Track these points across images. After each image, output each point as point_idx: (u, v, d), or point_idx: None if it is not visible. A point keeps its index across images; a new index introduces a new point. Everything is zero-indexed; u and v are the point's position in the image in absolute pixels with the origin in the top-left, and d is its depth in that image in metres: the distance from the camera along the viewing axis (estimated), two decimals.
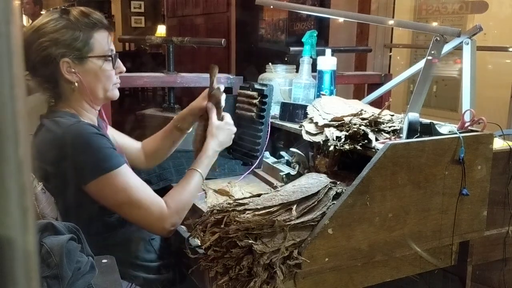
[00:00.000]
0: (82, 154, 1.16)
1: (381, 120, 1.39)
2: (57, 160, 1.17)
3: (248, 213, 1.10)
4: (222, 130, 1.40)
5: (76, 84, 1.23)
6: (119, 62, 1.32)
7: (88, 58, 1.24)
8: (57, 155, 1.17)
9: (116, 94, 1.33)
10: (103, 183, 1.16)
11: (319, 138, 1.43)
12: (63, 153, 1.16)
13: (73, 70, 1.22)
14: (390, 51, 3.95)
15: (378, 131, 1.37)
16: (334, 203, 1.16)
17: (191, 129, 1.59)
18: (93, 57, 1.24)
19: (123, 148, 1.51)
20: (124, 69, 1.34)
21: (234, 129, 1.45)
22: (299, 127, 1.61)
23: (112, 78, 1.29)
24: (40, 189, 1.12)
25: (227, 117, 1.45)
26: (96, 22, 1.25)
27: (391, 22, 2.02)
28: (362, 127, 1.34)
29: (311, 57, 1.89)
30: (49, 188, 1.18)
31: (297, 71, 1.96)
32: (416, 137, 1.26)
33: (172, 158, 1.67)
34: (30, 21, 4.87)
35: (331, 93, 1.81)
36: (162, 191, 1.34)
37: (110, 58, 1.27)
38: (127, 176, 1.19)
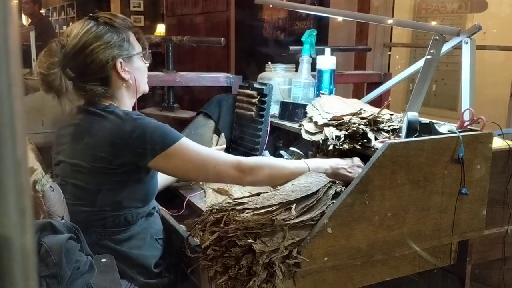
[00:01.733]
0: (145, 134, 1.23)
1: (380, 120, 1.39)
2: (115, 144, 1.23)
3: (247, 212, 1.10)
4: (345, 169, 1.35)
5: (130, 81, 1.33)
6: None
7: (134, 56, 1.35)
8: (119, 138, 1.22)
9: (147, 87, 1.44)
10: (170, 155, 1.24)
11: (318, 137, 1.43)
12: (127, 136, 1.22)
13: (126, 68, 1.32)
14: (390, 50, 3.95)
15: (377, 130, 1.37)
16: (333, 202, 1.16)
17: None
18: (137, 54, 1.36)
19: None
20: (149, 61, 1.44)
21: (354, 175, 1.33)
22: (299, 126, 1.61)
23: (147, 72, 1.42)
24: (48, 187, 1.12)
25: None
26: (128, 23, 1.36)
27: (390, 21, 2.02)
28: (362, 127, 1.34)
29: (310, 56, 1.89)
30: (85, 174, 1.25)
31: (296, 70, 1.96)
32: (416, 137, 1.26)
33: None
34: (30, 20, 4.86)
35: (330, 92, 1.81)
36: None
37: (146, 53, 1.40)
38: (192, 143, 1.29)
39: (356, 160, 1.36)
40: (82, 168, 1.26)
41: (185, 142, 1.27)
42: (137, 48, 1.37)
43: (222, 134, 1.91)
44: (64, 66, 1.27)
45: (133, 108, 1.41)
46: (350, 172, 1.34)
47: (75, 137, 1.30)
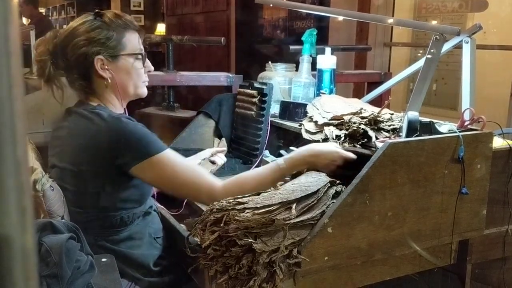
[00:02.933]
0: (132, 139, 1.22)
1: (380, 119, 1.39)
2: (98, 147, 1.23)
3: (247, 212, 1.10)
4: (325, 154, 1.31)
5: (109, 80, 1.31)
6: (148, 62, 1.40)
7: (121, 56, 1.32)
8: (99, 142, 1.23)
9: (145, 91, 1.41)
10: (153, 164, 1.22)
11: (318, 137, 1.43)
12: (108, 140, 1.22)
13: (106, 67, 1.30)
14: (390, 50, 3.95)
15: (377, 129, 1.37)
16: (333, 202, 1.16)
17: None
18: (125, 55, 1.33)
19: None
20: (152, 68, 1.43)
21: (336, 162, 1.31)
22: (299, 125, 1.61)
23: (142, 76, 1.38)
24: (48, 186, 1.13)
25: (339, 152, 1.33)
26: (128, 23, 1.34)
27: (390, 20, 2.02)
28: (362, 126, 1.34)
29: (310, 55, 1.89)
30: (76, 178, 1.24)
31: (296, 70, 1.96)
32: (416, 136, 1.26)
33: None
34: (29, 21, 4.86)
35: (330, 92, 1.81)
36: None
37: (141, 57, 1.36)
38: (173, 158, 1.26)
39: (333, 151, 1.30)
40: (71, 172, 1.26)
41: (169, 155, 1.25)
42: (130, 48, 1.34)
43: (223, 138, 1.91)
44: (54, 55, 1.31)
45: (128, 111, 1.40)
46: (326, 165, 1.30)
47: (63, 140, 1.31)
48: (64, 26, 1.41)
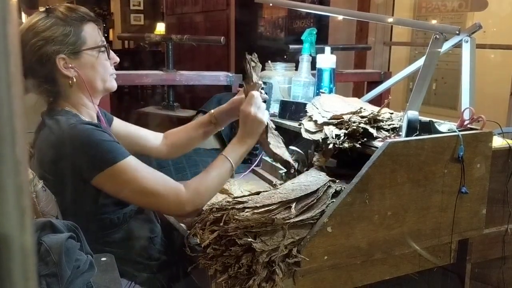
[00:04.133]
0: (86, 150, 1.15)
1: (380, 118, 1.39)
2: (60, 157, 1.17)
3: (247, 211, 1.10)
4: (248, 120, 1.32)
5: (75, 79, 1.23)
6: (112, 53, 1.32)
7: (83, 51, 1.24)
8: (60, 153, 1.17)
9: (114, 85, 1.34)
10: (110, 175, 1.15)
11: (318, 136, 1.43)
12: (66, 151, 1.16)
13: (70, 65, 1.22)
14: (390, 49, 3.95)
15: (377, 129, 1.37)
16: (333, 201, 1.16)
17: (223, 127, 1.60)
18: (87, 49, 1.25)
19: (137, 139, 1.52)
20: (118, 59, 1.34)
21: (259, 107, 1.32)
22: (299, 125, 1.61)
23: (108, 69, 1.30)
24: (40, 187, 1.11)
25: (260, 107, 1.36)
26: (84, 15, 1.25)
27: (390, 20, 2.02)
28: (362, 125, 1.34)
29: (310, 55, 1.89)
30: (51, 186, 1.19)
31: (296, 69, 1.96)
32: (416, 135, 1.26)
33: (185, 156, 1.69)
34: None
35: (330, 91, 1.81)
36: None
37: (104, 49, 1.28)
38: (134, 166, 1.18)
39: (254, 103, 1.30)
40: (45, 181, 1.18)
41: (129, 163, 1.17)
42: (91, 42, 1.25)
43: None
44: None
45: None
46: (260, 119, 1.30)
47: (35, 148, 1.26)
48: None
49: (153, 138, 1.58)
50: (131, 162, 1.18)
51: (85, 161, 1.16)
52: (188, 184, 1.22)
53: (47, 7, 1.25)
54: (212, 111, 1.56)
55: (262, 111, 1.34)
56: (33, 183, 1.09)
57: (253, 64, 1.40)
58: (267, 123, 1.37)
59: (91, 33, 1.26)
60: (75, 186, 1.19)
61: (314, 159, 1.47)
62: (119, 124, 1.49)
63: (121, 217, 1.27)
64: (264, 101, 1.41)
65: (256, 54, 1.42)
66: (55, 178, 1.19)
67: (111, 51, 1.32)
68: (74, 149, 1.15)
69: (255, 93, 1.34)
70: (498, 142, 1.43)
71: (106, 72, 1.29)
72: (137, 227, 1.32)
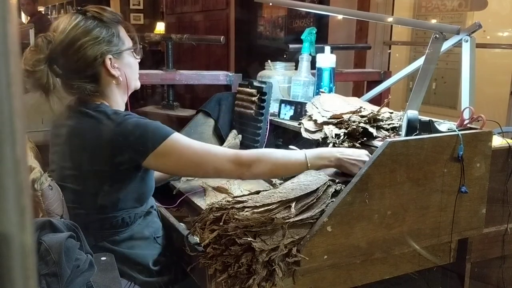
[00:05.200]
0: (136, 133, 1.19)
1: (380, 118, 1.39)
2: (107, 145, 1.20)
3: (247, 211, 1.10)
4: (357, 155, 1.30)
5: (120, 78, 1.29)
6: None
7: (124, 52, 1.30)
8: (110, 140, 1.20)
9: (139, 83, 1.40)
10: (166, 150, 1.20)
11: (318, 136, 1.43)
12: (117, 138, 1.19)
13: (115, 65, 1.27)
14: (390, 48, 3.95)
15: (377, 128, 1.37)
16: (333, 201, 1.16)
17: None
18: (127, 49, 1.31)
19: None
20: (140, 57, 1.39)
21: (356, 169, 1.27)
22: (298, 124, 1.61)
23: (138, 68, 1.38)
24: (47, 185, 1.12)
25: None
26: (117, 16, 1.31)
27: (390, 19, 2.02)
28: (361, 124, 1.34)
29: (310, 54, 1.89)
30: (78, 178, 1.23)
31: (296, 69, 1.96)
32: (415, 135, 1.26)
33: None
34: (29, 19, 4.85)
35: (330, 91, 1.81)
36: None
37: (137, 48, 1.34)
38: (184, 138, 1.25)
39: (363, 154, 1.30)
40: (75, 171, 1.24)
41: (177, 138, 1.22)
42: (127, 43, 1.32)
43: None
44: (51, 62, 1.21)
45: (126, 105, 1.38)
46: (354, 165, 1.28)
47: (67, 139, 1.27)
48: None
49: None
50: (180, 136, 1.24)
51: (138, 143, 1.19)
52: (252, 150, 1.29)
53: (79, 8, 1.27)
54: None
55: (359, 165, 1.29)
56: (39, 181, 1.09)
57: None
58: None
59: (125, 34, 1.32)
60: (111, 174, 1.22)
61: None
62: None
63: (132, 217, 1.29)
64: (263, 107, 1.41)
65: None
66: (92, 167, 1.22)
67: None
68: (127, 134, 1.19)
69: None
70: (497, 141, 1.44)
71: (137, 72, 1.37)
72: (144, 228, 1.33)
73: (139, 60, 1.38)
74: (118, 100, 1.33)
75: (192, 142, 1.25)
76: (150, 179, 1.33)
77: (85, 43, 1.22)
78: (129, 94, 1.37)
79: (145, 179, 1.29)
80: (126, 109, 1.38)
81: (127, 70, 1.31)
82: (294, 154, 1.31)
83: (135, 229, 1.31)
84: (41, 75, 1.20)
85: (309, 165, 1.28)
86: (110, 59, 1.26)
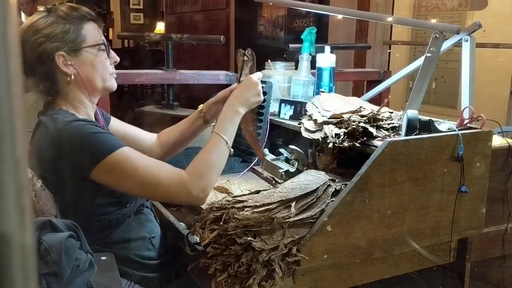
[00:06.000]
0: (81, 144, 1.15)
1: (380, 117, 1.39)
2: (57, 155, 1.17)
3: (247, 210, 1.10)
4: (247, 88, 1.33)
5: (73, 76, 1.23)
6: (112, 52, 1.32)
7: (83, 49, 1.24)
8: (56, 150, 1.17)
9: (114, 84, 1.33)
10: (108, 166, 1.14)
11: (318, 135, 1.43)
12: (62, 148, 1.16)
13: (69, 62, 1.22)
14: (389, 48, 3.95)
15: (377, 128, 1.37)
16: (333, 200, 1.16)
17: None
18: (87, 47, 1.25)
19: (133, 139, 1.50)
20: (118, 59, 1.34)
21: (259, 88, 1.34)
22: (298, 124, 1.61)
23: (108, 68, 1.30)
24: (39, 186, 1.11)
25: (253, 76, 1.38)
26: (85, 14, 1.26)
27: (390, 19, 2.01)
28: (361, 124, 1.34)
29: (310, 54, 1.89)
30: (50, 186, 1.18)
31: (296, 68, 1.96)
32: (415, 134, 1.26)
33: (184, 155, 1.66)
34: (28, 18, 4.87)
35: (330, 90, 1.81)
36: None
37: (104, 48, 1.28)
38: (131, 156, 1.16)
39: (252, 81, 1.33)
40: (44, 181, 1.18)
41: (122, 154, 1.15)
42: (91, 40, 1.25)
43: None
44: None
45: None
46: (256, 95, 1.32)
47: (33, 148, 1.25)
48: None
49: (148, 138, 1.57)
50: (127, 152, 1.16)
51: (82, 156, 1.15)
52: (188, 169, 1.19)
53: (48, 6, 1.26)
54: (201, 105, 1.54)
55: (258, 91, 1.34)
56: (32, 182, 1.09)
57: (245, 58, 1.40)
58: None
59: (91, 32, 1.26)
60: (74, 184, 1.19)
61: (318, 161, 1.47)
62: (116, 124, 1.49)
63: (120, 218, 1.27)
64: (264, 100, 1.41)
65: (250, 50, 1.42)
66: (53, 177, 1.19)
67: (111, 50, 1.32)
68: (70, 146, 1.15)
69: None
70: (497, 141, 1.44)
71: (105, 71, 1.29)
72: (136, 228, 1.31)
73: (115, 60, 1.32)
74: (83, 101, 1.28)
75: (138, 162, 1.16)
76: None
77: (36, 39, 1.20)
78: (97, 95, 1.32)
79: None
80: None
81: (87, 69, 1.25)
82: (214, 143, 1.25)
83: (126, 229, 1.29)
84: None
85: (228, 141, 1.26)
86: (62, 55, 1.21)
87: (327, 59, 1.80)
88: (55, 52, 1.20)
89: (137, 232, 1.31)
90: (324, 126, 1.42)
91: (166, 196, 1.21)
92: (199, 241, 1.17)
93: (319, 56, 1.83)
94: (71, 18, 1.23)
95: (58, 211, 1.19)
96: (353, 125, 1.34)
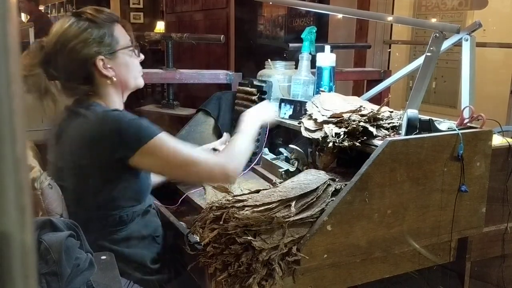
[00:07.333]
0: (122, 131, 1.20)
1: (380, 117, 1.39)
2: (98, 141, 1.21)
3: (247, 210, 1.10)
4: (259, 108, 1.54)
5: (114, 78, 1.29)
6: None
7: (118, 51, 1.29)
8: (99, 136, 1.21)
9: (142, 81, 1.40)
10: (151, 149, 1.19)
11: (318, 135, 1.43)
12: (105, 134, 1.20)
13: (108, 65, 1.28)
14: (389, 48, 3.95)
15: (377, 127, 1.37)
16: (333, 200, 1.16)
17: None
18: (121, 49, 1.30)
19: None
20: (143, 56, 1.40)
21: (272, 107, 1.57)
22: (298, 123, 1.61)
23: (138, 66, 1.37)
24: (47, 184, 1.12)
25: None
26: (112, 16, 1.31)
27: (390, 18, 2.02)
28: (361, 123, 1.34)
29: (310, 53, 1.89)
30: (81, 175, 1.23)
31: (296, 68, 1.95)
32: (415, 134, 1.26)
33: None
34: (28, 18, 4.85)
35: (330, 90, 1.80)
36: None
37: (132, 48, 1.34)
38: (171, 140, 1.23)
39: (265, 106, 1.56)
40: (69, 170, 1.24)
41: (162, 139, 1.21)
42: (123, 42, 1.31)
43: (227, 133, 1.90)
44: (46, 66, 1.25)
45: (127, 108, 1.38)
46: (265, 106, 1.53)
47: (60, 138, 1.28)
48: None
49: None
50: (167, 136, 1.23)
51: (124, 141, 1.19)
52: (222, 153, 1.34)
53: (74, 11, 1.31)
54: None
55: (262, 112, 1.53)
56: (39, 180, 1.09)
57: None
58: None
59: (121, 33, 1.31)
60: (105, 172, 1.23)
61: (318, 160, 1.47)
62: None
63: (130, 215, 1.29)
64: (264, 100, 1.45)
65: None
66: (86, 166, 1.22)
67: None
68: (113, 131, 1.20)
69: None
70: (497, 140, 1.44)
71: (136, 70, 1.36)
72: (143, 227, 1.33)
73: (141, 59, 1.38)
74: (114, 99, 1.33)
75: (176, 145, 1.23)
76: (146, 177, 1.33)
77: (74, 45, 1.23)
78: (128, 93, 1.38)
79: (141, 177, 1.29)
80: (125, 107, 1.38)
81: (123, 70, 1.31)
82: (239, 135, 1.38)
83: (133, 227, 1.31)
84: (36, 78, 1.24)
85: (250, 136, 1.40)
86: (101, 59, 1.26)
87: (327, 59, 1.80)
88: (96, 57, 1.25)
89: (142, 231, 1.33)
90: (324, 125, 1.42)
91: (205, 175, 1.29)
92: (199, 241, 1.17)
93: (319, 56, 1.83)
94: (102, 22, 1.27)
95: (64, 210, 1.19)
96: (353, 124, 1.34)
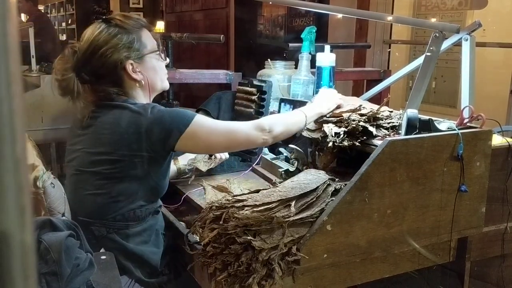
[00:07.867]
0: (168, 117, 1.26)
1: (380, 116, 1.39)
2: (142, 131, 1.25)
3: (246, 210, 1.10)
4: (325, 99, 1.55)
5: (142, 82, 1.35)
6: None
7: (146, 56, 1.36)
8: (144, 126, 1.25)
9: (167, 84, 1.46)
10: (193, 131, 1.27)
11: (317, 135, 1.43)
12: (149, 124, 1.25)
13: (137, 70, 1.34)
14: (389, 47, 3.95)
15: (377, 127, 1.37)
16: (332, 200, 1.16)
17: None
18: (150, 53, 1.37)
19: None
20: (168, 60, 1.47)
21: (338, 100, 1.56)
22: None
23: (164, 69, 1.44)
24: (49, 183, 1.12)
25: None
26: (140, 22, 1.38)
27: (390, 18, 2.02)
28: (361, 123, 1.34)
29: (310, 53, 1.89)
30: (118, 166, 1.25)
31: (296, 67, 1.96)
32: (415, 134, 1.26)
33: None
34: (28, 17, 4.85)
35: None
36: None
37: (159, 52, 1.40)
38: (207, 118, 1.35)
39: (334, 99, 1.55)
40: (107, 156, 1.26)
41: (199, 120, 1.29)
42: (150, 46, 1.38)
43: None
44: (78, 70, 1.30)
45: None
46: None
47: (98, 127, 1.30)
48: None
49: None
50: (201, 117, 1.33)
51: (168, 130, 1.25)
52: (262, 119, 1.41)
53: (104, 17, 1.35)
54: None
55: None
56: (42, 179, 1.10)
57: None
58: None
59: (148, 38, 1.38)
60: (142, 161, 1.27)
61: (318, 160, 1.47)
62: None
63: (144, 212, 1.31)
64: (263, 100, 1.46)
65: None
66: (128, 152, 1.25)
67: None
68: (157, 122, 1.25)
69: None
70: (497, 140, 1.44)
71: (163, 73, 1.43)
72: (153, 225, 1.35)
73: (167, 62, 1.44)
74: (142, 101, 1.38)
75: (214, 120, 1.37)
76: (167, 175, 1.38)
77: (105, 51, 1.30)
78: (155, 95, 1.44)
79: (163, 175, 1.34)
80: None
81: (151, 73, 1.37)
82: (294, 112, 1.49)
83: (145, 225, 1.33)
84: (69, 82, 1.30)
85: (307, 118, 1.46)
86: (131, 64, 1.32)
87: (327, 58, 1.80)
88: (126, 61, 1.31)
89: (152, 229, 1.35)
90: (324, 125, 1.42)
91: (243, 139, 1.36)
92: (198, 240, 1.17)
93: (319, 55, 1.83)
94: (131, 28, 1.34)
95: (67, 209, 1.20)
96: (353, 124, 1.34)
